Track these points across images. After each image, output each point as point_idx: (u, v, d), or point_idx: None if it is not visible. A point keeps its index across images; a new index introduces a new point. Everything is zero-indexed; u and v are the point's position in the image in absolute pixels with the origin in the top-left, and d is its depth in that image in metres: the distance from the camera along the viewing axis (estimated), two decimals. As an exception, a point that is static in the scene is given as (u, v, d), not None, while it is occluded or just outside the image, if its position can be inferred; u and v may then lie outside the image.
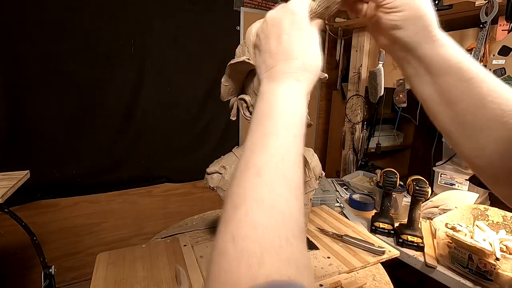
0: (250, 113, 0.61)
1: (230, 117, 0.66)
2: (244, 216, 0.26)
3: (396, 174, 1.07)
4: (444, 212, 1.10)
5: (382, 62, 1.53)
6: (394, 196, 1.21)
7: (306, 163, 0.67)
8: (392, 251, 0.82)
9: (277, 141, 0.31)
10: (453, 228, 0.96)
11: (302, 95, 0.34)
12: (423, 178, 1.01)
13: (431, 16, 0.35)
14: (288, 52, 0.35)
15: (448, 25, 1.35)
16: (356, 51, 1.78)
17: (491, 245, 0.87)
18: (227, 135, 1.87)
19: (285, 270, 0.23)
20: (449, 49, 0.35)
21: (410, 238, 1.02)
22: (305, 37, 0.36)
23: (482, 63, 1.14)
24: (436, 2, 1.20)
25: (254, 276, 0.23)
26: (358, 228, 0.94)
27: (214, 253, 0.26)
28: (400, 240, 1.03)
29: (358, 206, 1.34)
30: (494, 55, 1.08)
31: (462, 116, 0.35)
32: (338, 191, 1.52)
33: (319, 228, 0.91)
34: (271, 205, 0.27)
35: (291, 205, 0.28)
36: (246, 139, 0.33)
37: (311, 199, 0.70)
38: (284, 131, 0.31)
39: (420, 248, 1.01)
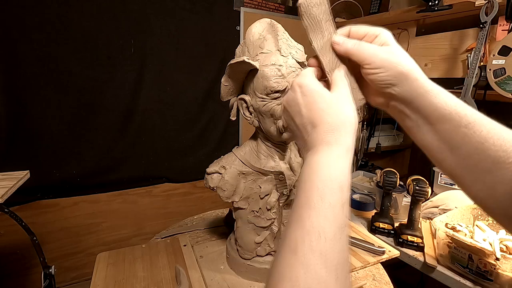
0: (250, 113, 0.62)
1: (230, 117, 0.66)
2: None
3: (396, 174, 1.07)
4: (444, 212, 1.10)
5: (382, 62, 1.53)
6: (394, 196, 1.21)
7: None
8: (392, 251, 0.82)
9: (312, 214, 0.29)
10: (453, 228, 0.96)
11: (335, 157, 0.33)
12: (423, 178, 1.01)
13: (416, 69, 0.36)
14: (311, 122, 0.36)
15: (448, 25, 1.35)
16: (356, 51, 1.78)
17: (491, 245, 0.87)
18: (227, 135, 1.87)
19: None
20: (442, 97, 0.36)
21: (410, 238, 1.02)
22: (321, 99, 0.36)
23: (482, 63, 1.14)
24: (436, 2, 1.20)
25: None
26: (358, 228, 0.94)
27: None
28: (400, 240, 1.03)
29: (358, 206, 1.34)
30: (494, 55, 1.08)
31: (466, 160, 0.35)
32: (338, 191, 1.52)
33: (319, 228, 0.91)
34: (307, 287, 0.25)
35: (331, 286, 0.26)
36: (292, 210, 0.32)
37: (311, 199, 0.70)
38: (319, 201, 0.29)
39: (420, 248, 1.01)
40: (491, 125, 0.34)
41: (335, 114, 0.35)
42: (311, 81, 0.38)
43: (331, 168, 0.32)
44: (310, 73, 0.39)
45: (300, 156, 0.68)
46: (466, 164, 0.35)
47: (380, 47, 0.37)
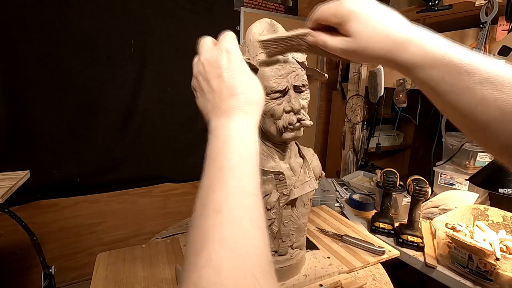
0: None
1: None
2: (206, 261, 0.25)
3: (396, 174, 1.07)
4: (444, 212, 1.10)
5: (382, 62, 1.53)
6: (394, 196, 1.21)
7: (306, 163, 0.67)
8: (392, 251, 0.82)
9: (235, 175, 0.30)
10: (453, 228, 0.96)
11: (252, 127, 0.35)
12: (423, 178, 1.01)
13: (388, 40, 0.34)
14: (233, 88, 0.36)
15: (448, 25, 1.35)
16: (356, 51, 1.78)
17: (491, 245, 0.87)
18: (227, 135, 1.88)
19: None
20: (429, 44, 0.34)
21: (410, 238, 1.02)
22: (244, 73, 0.38)
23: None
24: (436, 2, 1.20)
25: None
26: (358, 228, 0.94)
27: None
28: (400, 240, 1.03)
29: (358, 206, 1.34)
30: (494, 55, 1.08)
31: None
32: (338, 191, 1.52)
33: (319, 228, 0.91)
34: (235, 243, 0.26)
35: (256, 237, 0.27)
36: (201, 180, 0.32)
37: (311, 199, 0.70)
38: (240, 163, 0.31)
39: (420, 248, 1.01)
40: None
41: (256, 89, 0.38)
42: (239, 52, 0.39)
43: (250, 135, 0.34)
44: (237, 43, 0.40)
45: (300, 157, 0.68)
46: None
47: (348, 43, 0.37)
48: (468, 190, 1.29)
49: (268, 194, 0.62)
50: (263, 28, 0.60)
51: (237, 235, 0.26)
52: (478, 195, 1.22)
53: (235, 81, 0.37)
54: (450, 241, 0.89)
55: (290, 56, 0.57)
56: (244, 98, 0.36)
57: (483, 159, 1.29)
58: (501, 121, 0.31)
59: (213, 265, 0.24)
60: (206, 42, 0.42)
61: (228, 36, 0.41)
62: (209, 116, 0.37)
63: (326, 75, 0.61)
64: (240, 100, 0.36)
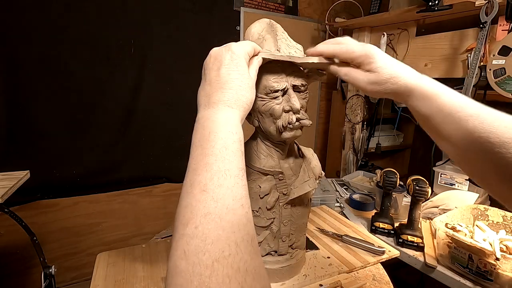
0: (250, 113, 0.61)
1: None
2: (193, 231, 0.28)
3: (396, 174, 1.07)
4: (444, 212, 1.10)
5: (382, 62, 1.53)
6: (394, 196, 1.21)
7: (305, 162, 0.67)
8: (392, 251, 0.82)
9: (218, 159, 0.33)
10: (453, 228, 0.96)
11: (236, 118, 0.39)
12: (423, 178, 1.01)
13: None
14: (224, 83, 0.40)
15: (448, 25, 1.35)
16: (356, 51, 1.78)
17: (491, 245, 0.87)
18: (227, 135, 1.87)
19: (236, 277, 0.25)
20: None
21: (410, 238, 1.02)
22: (240, 73, 0.41)
23: (482, 63, 1.14)
24: (436, 2, 1.20)
25: (207, 286, 0.24)
26: (358, 228, 0.94)
27: (168, 274, 0.27)
28: (400, 240, 1.03)
29: (358, 206, 1.34)
30: (494, 55, 1.08)
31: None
32: (338, 191, 1.52)
33: (319, 228, 0.91)
34: (219, 217, 0.29)
35: (238, 213, 0.30)
36: (188, 163, 0.35)
37: (311, 199, 0.70)
38: (224, 150, 0.34)
39: (420, 248, 1.01)
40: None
41: (245, 90, 0.41)
42: (243, 56, 0.43)
43: (233, 125, 0.37)
44: (247, 49, 0.44)
45: (300, 156, 0.68)
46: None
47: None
48: (468, 190, 1.29)
49: (268, 193, 0.62)
50: (262, 28, 0.60)
51: (221, 210, 0.29)
52: (478, 195, 1.22)
53: (229, 78, 0.40)
54: (450, 241, 0.89)
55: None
56: (231, 95, 0.39)
57: (483, 159, 1.29)
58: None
59: (199, 235, 0.27)
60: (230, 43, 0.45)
61: (242, 42, 0.45)
62: (199, 103, 0.41)
63: (324, 73, 0.61)
64: (227, 95, 0.39)
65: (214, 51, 0.44)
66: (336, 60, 0.52)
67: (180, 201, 0.32)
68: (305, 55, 0.54)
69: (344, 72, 0.49)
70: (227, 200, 0.30)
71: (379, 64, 0.45)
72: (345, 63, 0.50)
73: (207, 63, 0.44)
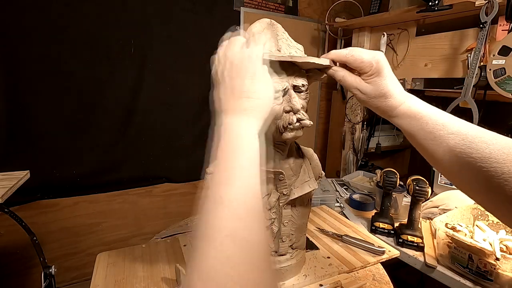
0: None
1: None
2: (215, 253, 0.27)
3: (396, 174, 1.07)
4: (444, 212, 1.10)
5: (382, 62, 1.53)
6: (394, 196, 1.21)
7: (306, 163, 0.67)
8: (392, 251, 0.82)
9: (243, 175, 0.33)
10: (453, 228, 0.96)
11: (256, 132, 0.39)
12: (423, 178, 1.01)
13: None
14: (251, 93, 0.40)
15: (448, 25, 1.35)
16: (356, 51, 1.78)
17: (491, 245, 0.87)
18: (227, 135, 1.87)
19: None
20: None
21: (410, 238, 1.02)
22: (265, 83, 0.42)
23: (482, 63, 1.14)
24: (436, 2, 1.20)
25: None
26: (358, 228, 0.94)
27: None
28: (400, 240, 1.03)
29: (358, 206, 1.34)
30: (494, 55, 1.08)
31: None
32: (338, 191, 1.52)
33: (319, 228, 0.91)
34: (243, 238, 0.28)
35: (262, 236, 0.30)
36: (210, 174, 0.35)
37: (311, 199, 0.70)
38: (249, 165, 0.34)
39: (420, 248, 1.01)
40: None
41: (268, 100, 0.42)
42: (263, 64, 0.43)
43: (256, 140, 0.37)
44: (263, 52, 0.44)
45: (300, 157, 0.68)
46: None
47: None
48: (468, 190, 1.28)
49: (268, 194, 0.62)
50: (263, 28, 0.60)
51: (245, 232, 0.29)
52: (478, 195, 1.21)
53: (255, 88, 0.40)
54: (450, 241, 0.89)
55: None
56: (257, 105, 0.40)
57: (483, 159, 1.29)
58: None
59: (222, 256, 0.26)
60: (237, 41, 0.46)
61: (257, 47, 0.45)
62: (221, 109, 0.40)
63: (325, 74, 0.61)
64: (253, 105, 0.40)
65: (233, 55, 0.43)
66: (337, 64, 0.52)
67: (203, 212, 0.31)
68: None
69: (340, 75, 0.51)
70: (251, 222, 0.30)
71: (378, 79, 0.46)
72: (344, 66, 0.51)
73: (227, 68, 0.43)
